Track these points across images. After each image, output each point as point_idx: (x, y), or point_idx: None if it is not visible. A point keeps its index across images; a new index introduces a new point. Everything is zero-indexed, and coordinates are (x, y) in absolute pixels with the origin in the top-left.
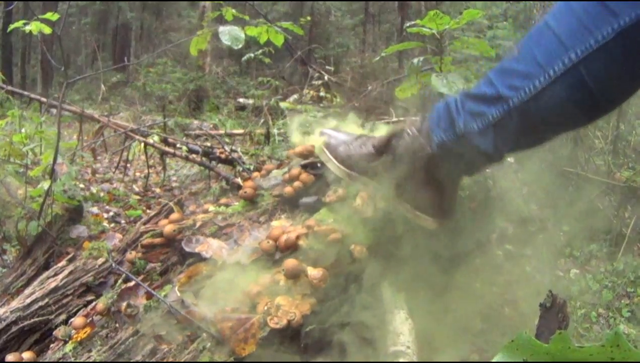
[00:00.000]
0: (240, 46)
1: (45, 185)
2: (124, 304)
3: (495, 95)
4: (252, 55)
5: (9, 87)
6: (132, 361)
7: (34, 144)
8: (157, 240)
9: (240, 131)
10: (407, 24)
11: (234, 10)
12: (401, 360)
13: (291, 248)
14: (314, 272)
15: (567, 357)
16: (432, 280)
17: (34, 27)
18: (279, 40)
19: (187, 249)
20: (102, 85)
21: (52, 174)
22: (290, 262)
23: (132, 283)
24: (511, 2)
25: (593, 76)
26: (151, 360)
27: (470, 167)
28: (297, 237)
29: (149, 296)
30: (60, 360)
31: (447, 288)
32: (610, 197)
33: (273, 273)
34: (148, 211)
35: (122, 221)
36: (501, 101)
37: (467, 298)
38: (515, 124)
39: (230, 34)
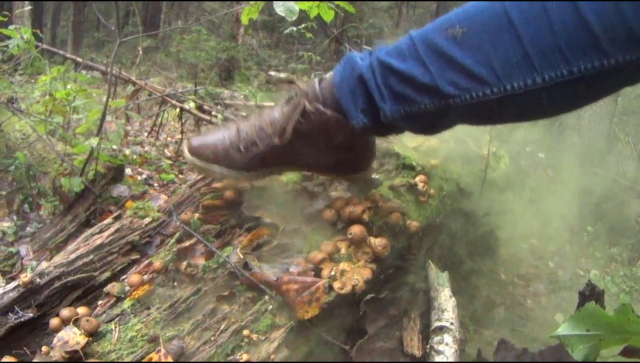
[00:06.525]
0: (294, 18)
1: (93, 142)
2: (184, 263)
3: (432, 85)
4: (294, 28)
5: (45, 46)
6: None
7: (78, 101)
8: (218, 202)
9: (272, 104)
10: None
11: None
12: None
13: (355, 220)
14: (377, 241)
15: (625, 328)
16: (460, 264)
17: None
18: (329, 16)
19: (247, 213)
20: (140, 49)
21: (99, 131)
22: (357, 228)
23: (187, 243)
24: None
25: (552, 101)
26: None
27: (389, 135)
28: (363, 211)
29: (208, 256)
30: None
31: (473, 274)
32: (636, 203)
33: (335, 241)
34: (180, 176)
35: (155, 184)
36: (439, 95)
37: (492, 286)
38: (452, 117)
39: (285, 6)
